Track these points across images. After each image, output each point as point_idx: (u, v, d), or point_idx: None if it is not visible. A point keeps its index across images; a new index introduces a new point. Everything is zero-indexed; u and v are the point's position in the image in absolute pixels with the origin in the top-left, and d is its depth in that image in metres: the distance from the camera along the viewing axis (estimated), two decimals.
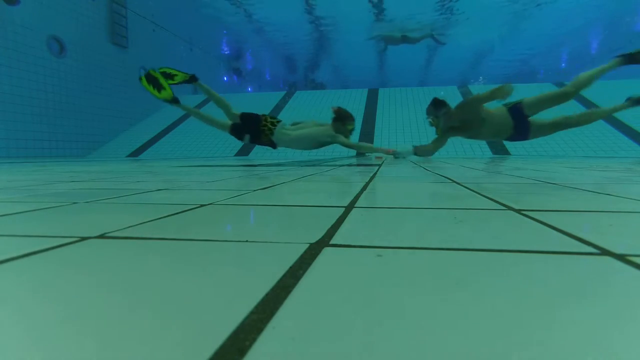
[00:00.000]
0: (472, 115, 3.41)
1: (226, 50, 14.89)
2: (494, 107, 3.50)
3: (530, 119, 3.48)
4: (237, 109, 3.97)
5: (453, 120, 3.46)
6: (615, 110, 3.63)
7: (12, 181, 1.35)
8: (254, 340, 0.21)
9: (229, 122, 3.88)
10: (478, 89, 8.36)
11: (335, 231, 0.50)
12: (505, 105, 3.51)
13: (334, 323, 0.24)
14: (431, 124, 3.56)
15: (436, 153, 4.03)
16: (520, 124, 3.49)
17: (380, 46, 15.18)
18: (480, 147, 5.79)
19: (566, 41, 14.16)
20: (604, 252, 0.40)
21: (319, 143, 3.79)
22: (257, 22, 13.16)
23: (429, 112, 3.54)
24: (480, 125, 3.48)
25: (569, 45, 14.61)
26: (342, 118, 3.74)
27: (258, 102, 8.19)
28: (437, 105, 3.51)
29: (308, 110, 7.45)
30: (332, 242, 0.44)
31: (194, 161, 3.65)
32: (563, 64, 16.05)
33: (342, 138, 3.69)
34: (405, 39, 14.52)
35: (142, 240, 0.46)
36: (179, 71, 3.84)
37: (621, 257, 0.38)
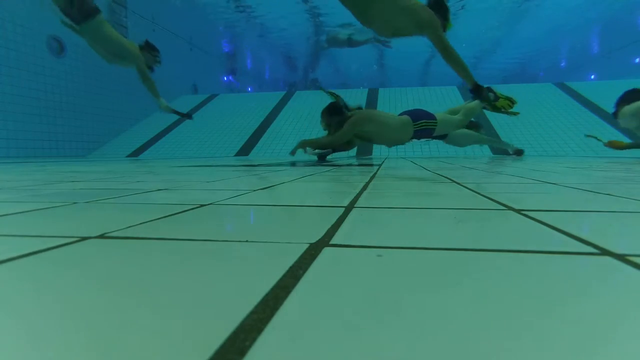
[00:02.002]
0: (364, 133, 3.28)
1: (226, 50, 14.91)
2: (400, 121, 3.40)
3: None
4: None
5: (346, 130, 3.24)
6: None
7: (12, 181, 1.35)
8: (254, 340, 0.21)
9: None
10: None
11: (335, 231, 0.50)
12: (415, 124, 3.37)
13: (334, 323, 0.24)
14: (324, 128, 3.42)
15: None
16: (420, 136, 3.51)
17: (323, 46, 15.35)
18: (480, 147, 5.79)
19: (566, 40, 14.16)
20: (604, 252, 0.40)
21: None
22: (256, 21, 13.17)
23: (322, 116, 3.36)
24: (371, 140, 3.44)
25: (569, 45, 14.61)
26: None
27: (258, 102, 8.19)
28: (330, 112, 3.31)
29: (308, 111, 7.45)
30: (332, 242, 0.44)
31: (194, 161, 3.65)
32: (563, 63, 16.06)
33: None
34: (350, 42, 14.66)
35: (142, 240, 0.46)
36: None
37: (621, 257, 0.38)
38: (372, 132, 3.38)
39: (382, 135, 3.42)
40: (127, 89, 8.33)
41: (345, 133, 3.22)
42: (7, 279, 0.34)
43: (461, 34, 13.39)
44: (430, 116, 3.47)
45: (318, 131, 4.78)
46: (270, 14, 12.44)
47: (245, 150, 6.25)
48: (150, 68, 3.90)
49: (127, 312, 0.25)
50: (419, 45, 14.35)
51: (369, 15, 2.58)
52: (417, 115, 3.45)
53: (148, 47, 3.83)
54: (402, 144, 3.71)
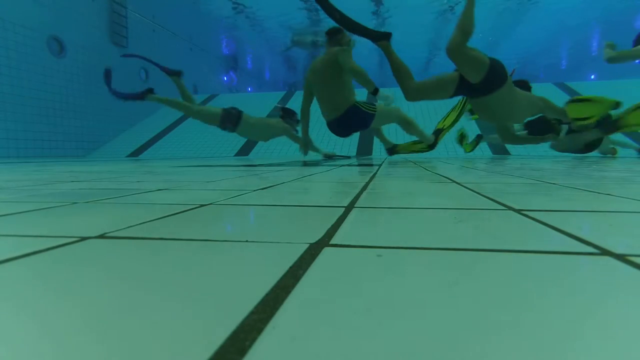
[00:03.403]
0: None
1: (226, 50, 14.92)
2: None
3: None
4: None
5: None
6: None
7: (12, 181, 1.35)
8: (254, 340, 0.21)
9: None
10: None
11: (335, 231, 0.50)
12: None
13: (334, 323, 0.24)
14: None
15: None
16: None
17: (288, 46, 15.73)
18: (480, 147, 5.79)
19: (566, 40, 14.15)
20: (604, 252, 0.40)
21: None
22: (256, 20, 13.17)
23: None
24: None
25: (569, 45, 14.60)
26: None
27: (258, 102, 8.18)
28: (329, 33, 3.37)
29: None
30: (332, 242, 0.44)
31: (194, 161, 3.65)
32: (563, 64, 16.06)
33: None
34: (315, 44, 14.96)
35: (142, 240, 0.46)
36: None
37: (621, 257, 0.38)
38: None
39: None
40: (127, 89, 8.33)
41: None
42: (7, 279, 0.34)
43: None
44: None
45: (318, 130, 4.79)
46: (269, 12, 12.43)
47: (245, 150, 6.25)
48: (295, 129, 4.47)
49: (126, 312, 0.25)
50: (418, 45, 14.37)
51: (506, 120, 3.31)
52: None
53: (287, 115, 4.40)
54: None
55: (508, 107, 2.98)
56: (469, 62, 2.74)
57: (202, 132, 6.99)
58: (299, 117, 4.25)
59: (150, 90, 4.15)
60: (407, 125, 3.75)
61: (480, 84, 2.79)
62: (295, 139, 4.38)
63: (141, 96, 4.17)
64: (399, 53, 3.02)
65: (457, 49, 2.68)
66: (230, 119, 4.13)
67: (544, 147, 5.51)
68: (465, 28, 2.69)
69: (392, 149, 4.07)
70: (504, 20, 12.83)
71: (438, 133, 3.97)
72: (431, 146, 3.93)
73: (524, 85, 3.33)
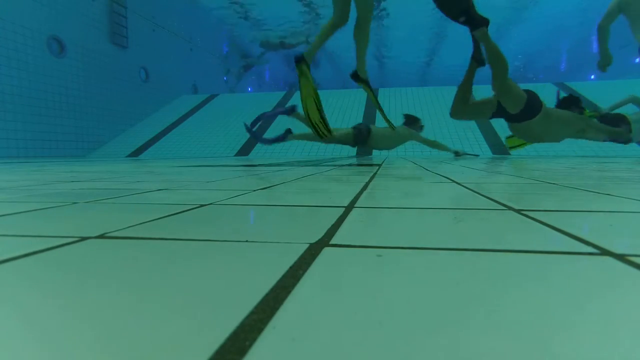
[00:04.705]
0: None
1: (226, 49, 14.94)
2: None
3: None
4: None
5: None
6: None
7: (12, 181, 1.35)
8: (254, 340, 0.21)
9: None
10: (482, 89, 8.34)
11: (335, 231, 0.50)
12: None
13: (333, 323, 0.24)
14: None
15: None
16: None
17: (259, 51, 15.62)
18: (480, 147, 5.80)
19: (566, 40, 14.15)
20: (604, 252, 0.40)
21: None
22: (256, 20, 13.18)
23: None
24: None
25: (568, 45, 14.60)
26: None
27: (258, 102, 8.18)
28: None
29: None
30: (332, 242, 0.44)
31: (194, 161, 3.65)
32: (563, 64, 16.06)
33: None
34: (283, 45, 14.89)
35: (142, 240, 0.46)
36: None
37: (621, 257, 0.38)
38: None
39: None
40: (127, 89, 8.34)
41: None
42: (7, 279, 0.34)
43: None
44: None
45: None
46: (268, 11, 12.45)
47: (245, 150, 6.25)
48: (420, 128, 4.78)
49: (127, 313, 0.25)
50: (419, 44, 14.36)
51: (542, 141, 3.70)
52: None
53: (410, 122, 4.65)
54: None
55: (542, 131, 3.41)
56: (508, 97, 3.14)
57: (202, 132, 7.00)
58: (422, 122, 4.60)
59: (289, 131, 4.48)
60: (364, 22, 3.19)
61: (518, 114, 3.19)
62: (422, 140, 4.60)
63: (283, 138, 4.49)
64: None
65: (501, 90, 3.08)
66: (362, 136, 4.40)
67: (544, 147, 5.52)
68: (463, 100, 3.17)
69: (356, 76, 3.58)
70: (504, 20, 12.83)
71: (378, 108, 3.82)
72: (358, 79, 3.60)
73: (574, 101, 3.61)
